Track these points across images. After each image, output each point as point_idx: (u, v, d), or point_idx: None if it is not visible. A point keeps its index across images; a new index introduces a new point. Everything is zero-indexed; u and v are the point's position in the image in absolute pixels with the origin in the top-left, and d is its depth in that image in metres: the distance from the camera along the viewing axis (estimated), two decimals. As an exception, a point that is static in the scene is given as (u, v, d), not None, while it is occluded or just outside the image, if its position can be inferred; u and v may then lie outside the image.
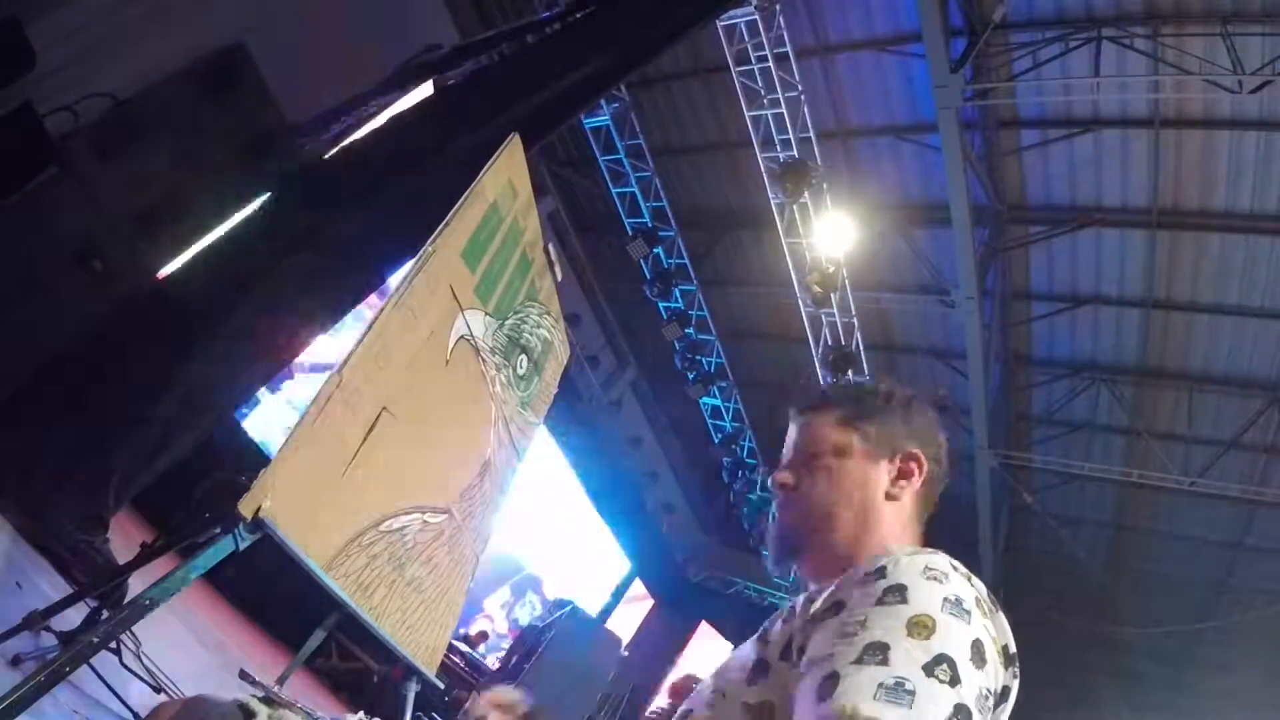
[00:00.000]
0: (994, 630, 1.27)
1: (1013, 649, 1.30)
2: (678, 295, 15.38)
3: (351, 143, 6.44)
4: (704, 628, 18.28)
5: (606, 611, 16.46)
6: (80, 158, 5.31)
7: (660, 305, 15.34)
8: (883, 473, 1.76)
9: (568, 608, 10.91)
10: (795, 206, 12.34)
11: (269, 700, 2.42)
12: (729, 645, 17.92)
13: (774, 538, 1.82)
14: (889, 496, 1.73)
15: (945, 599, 1.24)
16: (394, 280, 4.09)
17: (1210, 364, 12.83)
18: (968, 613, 1.24)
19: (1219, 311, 12.16)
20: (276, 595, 7.45)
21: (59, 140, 5.28)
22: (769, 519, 2.05)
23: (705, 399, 16.56)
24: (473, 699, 2.02)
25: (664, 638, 17.62)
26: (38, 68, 5.20)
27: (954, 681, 1.14)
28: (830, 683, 1.15)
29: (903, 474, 1.76)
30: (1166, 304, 12.47)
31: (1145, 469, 13.57)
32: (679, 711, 1.61)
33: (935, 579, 1.28)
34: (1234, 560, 15.01)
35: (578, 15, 7.00)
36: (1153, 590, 15.92)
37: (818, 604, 1.38)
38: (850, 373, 13.54)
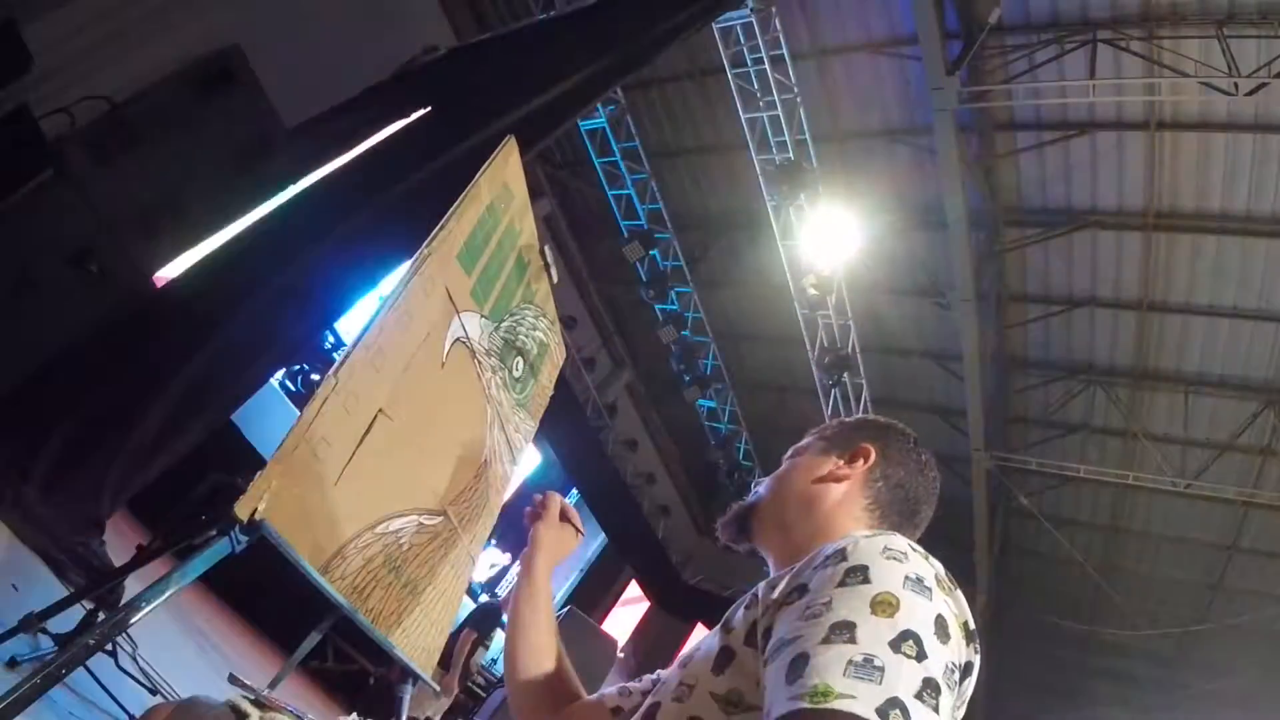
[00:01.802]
0: (954, 607, 1.29)
1: (972, 625, 1.32)
2: (674, 297, 15.40)
3: (349, 146, 6.45)
4: (700, 630, 18.28)
5: (602, 614, 16.44)
6: (76, 160, 5.32)
7: (656, 307, 15.35)
8: (829, 461, 1.91)
9: (564, 610, 10.90)
10: (791, 209, 12.38)
11: (260, 703, 2.43)
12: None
13: (729, 514, 2.07)
14: (830, 475, 1.87)
15: (906, 577, 1.26)
16: (390, 282, 4.09)
17: (1206, 366, 12.85)
18: (929, 590, 1.26)
19: (1214, 314, 12.18)
20: (272, 597, 7.45)
21: (55, 142, 5.28)
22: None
23: (701, 401, 16.57)
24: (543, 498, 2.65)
25: (660, 640, 17.61)
26: (34, 70, 5.21)
27: (920, 656, 1.15)
28: (800, 663, 1.16)
29: (849, 459, 1.89)
30: (1162, 306, 12.49)
31: (1141, 471, 13.61)
32: (645, 704, 1.64)
33: (895, 558, 1.30)
34: (1229, 562, 15.03)
35: (574, 18, 7.01)
36: (1148, 592, 15.95)
37: (780, 588, 1.40)
38: (846, 375, 13.57)
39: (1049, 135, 11.64)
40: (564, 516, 2.64)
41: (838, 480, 1.85)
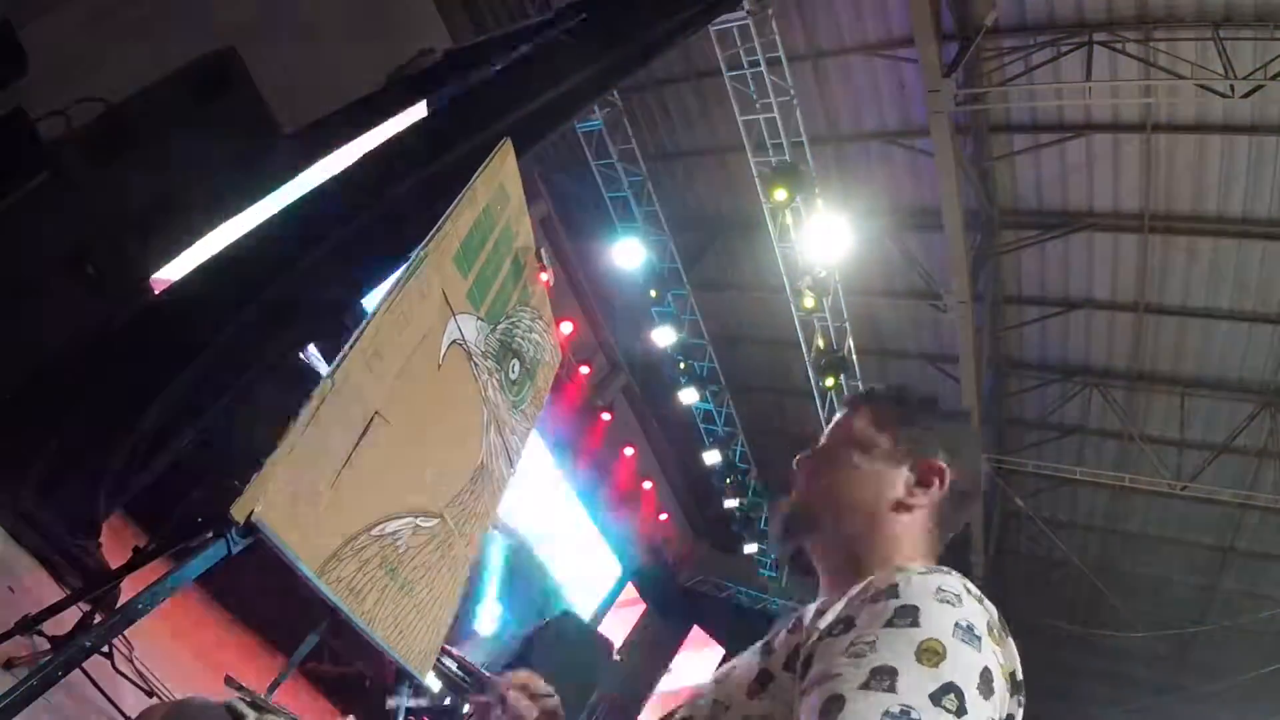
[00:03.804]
0: (1003, 657, 1.26)
1: (1019, 675, 1.29)
2: (670, 299, 15.40)
3: (346, 150, 6.44)
4: (696, 632, 18.31)
5: (598, 616, 16.43)
6: (72, 162, 5.30)
7: (652, 309, 15.35)
8: (900, 478, 1.73)
9: (561, 612, 10.92)
10: (787, 211, 12.36)
11: (256, 705, 2.43)
12: (721, 650, 17.93)
13: (781, 514, 1.83)
14: (902, 505, 1.70)
15: (957, 624, 1.22)
16: (386, 285, 4.10)
17: (1202, 368, 12.88)
18: (978, 639, 1.22)
19: (1211, 316, 12.21)
20: (269, 599, 7.44)
21: (51, 145, 5.27)
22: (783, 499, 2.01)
23: (697, 403, 16.57)
24: (494, 681, 1.99)
25: (656, 642, 17.62)
26: (30, 72, 5.20)
27: (960, 712, 1.12)
28: (835, 705, 1.13)
29: (921, 482, 1.72)
30: (1158, 308, 12.52)
31: (1137, 473, 13.63)
32: (677, 718, 1.59)
33: (948, 601, 1.26)
34: (1224, 564, 15.06)
35: (571, 20, 7.00)
36: (1144, 594, 15.97)
37: (827, 617, 1.36)
38: (842, 377, 13.58)
39: (1045, 137, 11.66)
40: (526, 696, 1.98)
41: (909, 509, 1.70)
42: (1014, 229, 12.73)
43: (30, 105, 5.08)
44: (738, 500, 17.58)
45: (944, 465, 1.73)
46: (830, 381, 13.75)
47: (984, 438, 13.98)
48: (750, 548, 18.35)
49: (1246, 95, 9.19)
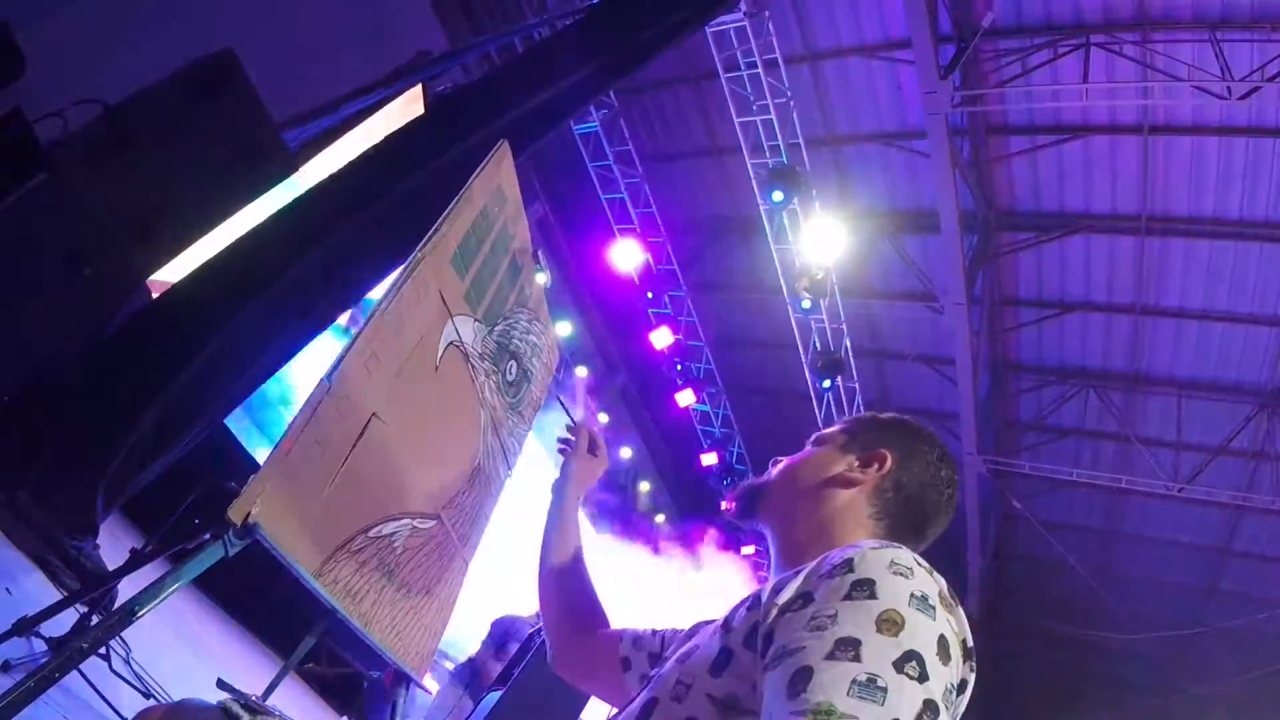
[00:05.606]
0: (955, 625, 1.29)
1: (970, 643, 1.32)
2: (667, 301, 15.41)
3: (341, 151, 6.44)
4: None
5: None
6: (70, 164, 5.29)
7: (649, 311, 15.35)
8: (845, 460, 1.87)
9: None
10: (784, 213, 12.39)
11: (250, 707, 2.43)
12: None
13: (740, 490, 2.03)
14: (841, 478, 1.83)
15: (912, 594, 1.26)
16: (383, 286, 4.09)
17: (1199, 370, 12.89)
18: (933, 608, 1.26)
19: (1208, 317, 12.22)
20: (266, 601, 7.43)
21: (49, 146, 5.26)
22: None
23: (694, 405, 16.57)
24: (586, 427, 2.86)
25: (654, 643, 17.57)
26: (28, 73, 5.20)
27: (923, 678, 1.16)
28: (802, 677, 1.16)
29: (863, 463, 1.84)
30: (1155, 310, 12.53)
31: (1134, 475, 13.64)
32: (641, 699, 1.62)
33: (901, 574, 1.29)
34: (1222, 566, 15.06)
35: (567, 22, 7.01)
36: (1141, 596, 15.96)
37: (785, 594, 1.38)
38: (839, 379, 13.59)
39: (1042, 139, 11.67)
40: (593, 448, 2.83)
41: (848, 484, 1.82)
42: (1011, 231, 12.74)
43: (28, 106, 5.07)
44: (735, 502, 17.57)
45: (886, 452, 1.85)
46: (827, 383, 13.77)
47: (981, 440, 13.99)
48: (748, 549, 18.37)
49: (1243, 97, 9.21)
